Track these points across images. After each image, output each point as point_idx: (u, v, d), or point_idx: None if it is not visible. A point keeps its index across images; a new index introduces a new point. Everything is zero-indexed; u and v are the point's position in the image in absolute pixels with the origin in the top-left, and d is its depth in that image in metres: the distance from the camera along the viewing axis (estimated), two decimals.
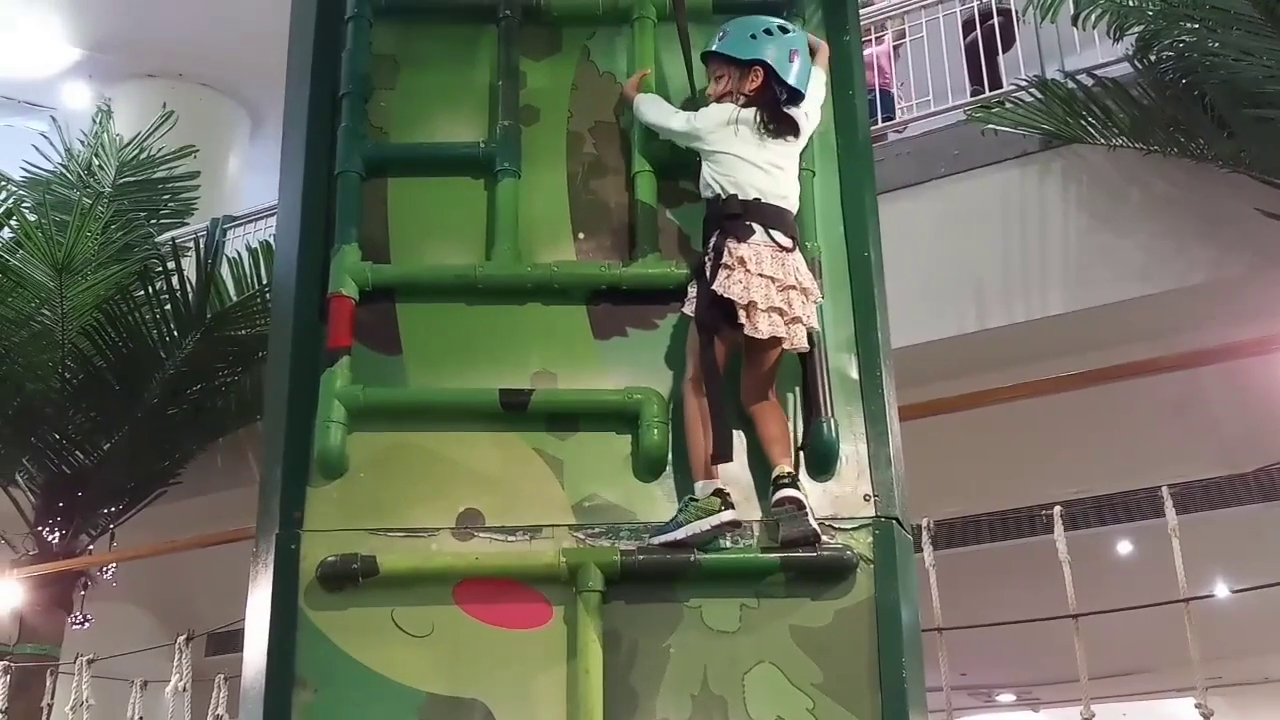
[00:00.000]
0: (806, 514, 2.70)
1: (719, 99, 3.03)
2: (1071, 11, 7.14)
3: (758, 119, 2.96)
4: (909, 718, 2.66)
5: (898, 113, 8.62)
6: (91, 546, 9.23)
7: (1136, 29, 6.81)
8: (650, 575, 2.75)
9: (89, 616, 9.01)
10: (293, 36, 3.35)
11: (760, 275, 2.77)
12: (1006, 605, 6.17)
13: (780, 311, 2.77)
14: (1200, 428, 7.38)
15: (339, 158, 3.11)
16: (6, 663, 7.54)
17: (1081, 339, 6.69)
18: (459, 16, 3.33)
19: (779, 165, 2.96)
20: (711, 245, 2.86)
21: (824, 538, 2.77)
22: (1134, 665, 10.76)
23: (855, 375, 2.97)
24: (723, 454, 2.74)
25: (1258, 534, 8.37)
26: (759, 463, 2.84)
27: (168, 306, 8.75)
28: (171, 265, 8.78)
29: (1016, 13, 8.24)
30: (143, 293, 8.80)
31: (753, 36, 3.02)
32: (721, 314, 2.79)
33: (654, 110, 3.09)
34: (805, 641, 2.73)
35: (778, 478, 2.73)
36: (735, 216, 2.86)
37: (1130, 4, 6.85)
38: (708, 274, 2.82)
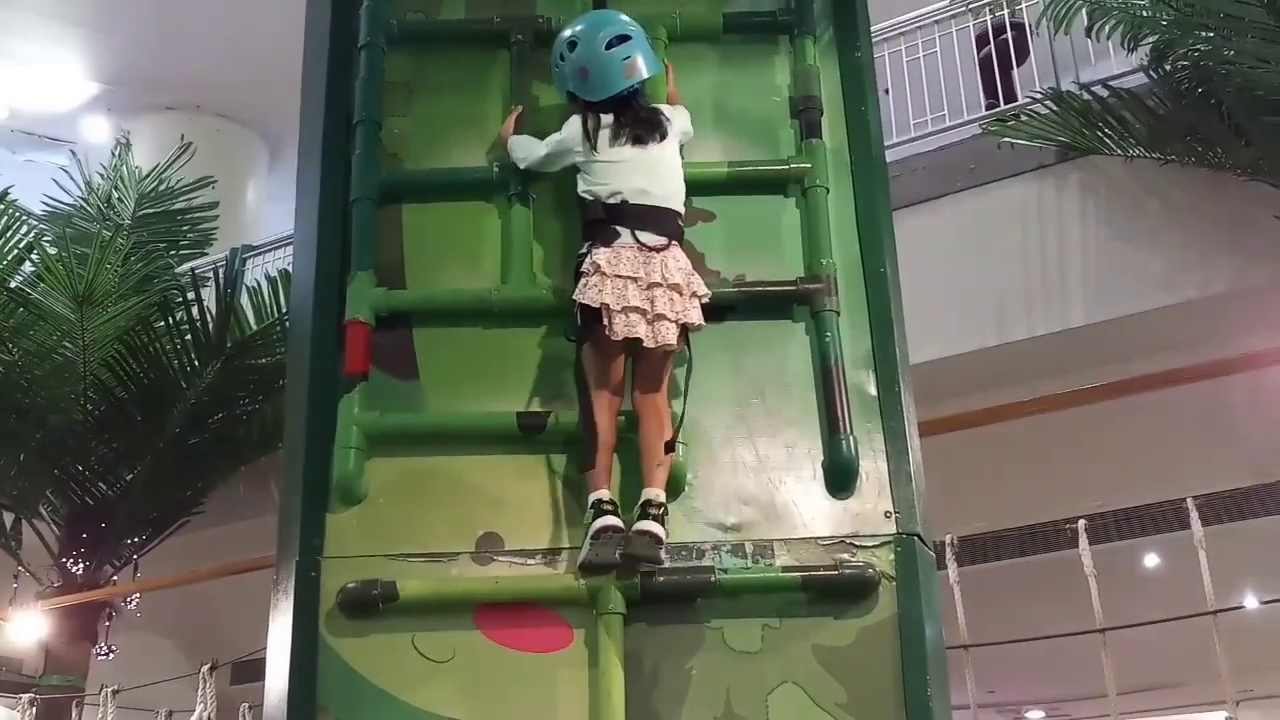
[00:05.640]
0: (627, 543, 2.65)
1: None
2: (1085, 23, 7.13)
3: (616, 122, 2.98)
4: None
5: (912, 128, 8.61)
6: (115, 577, 9.26)
7: (1151, 39, 6.80)
8: (671, 596, 2.74)
9: (114, 647, 9.03)
10: (306, 65, 3.37)
11: (617, 277, 2.79)
12: (1033, 621, 6.12)
13: (641, 311, 2.77)
14: (1226, 438, 7.32)
15: (354, 185, 3.12)
16: (33, 695, 7.59)
17: (1103, 351, 6.66)
18: (471, 42, 3.34)
19: (654, 161, 2.96)
20: (580, 254, 2.90)
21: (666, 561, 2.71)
22: (1163, 679, 10.65)
23: (874, 391, 2.97)
24: (589, 460, 2.77)
25: None
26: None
27: (188, 336, 8.79)
28: (191, 295, 8.83)
29: (1030, 25, 8.23)
30: (163, 323, 8.85)
31: (555, 69, 3.08)
32: (592, 320, 2.81)
33: (521, 149, 3.10)
34: (828, 661, 2.71)
35: (647, 503, 2.69)
36: (598, 222, 2.90)
37: (1144, 14, 6.84)
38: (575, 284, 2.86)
